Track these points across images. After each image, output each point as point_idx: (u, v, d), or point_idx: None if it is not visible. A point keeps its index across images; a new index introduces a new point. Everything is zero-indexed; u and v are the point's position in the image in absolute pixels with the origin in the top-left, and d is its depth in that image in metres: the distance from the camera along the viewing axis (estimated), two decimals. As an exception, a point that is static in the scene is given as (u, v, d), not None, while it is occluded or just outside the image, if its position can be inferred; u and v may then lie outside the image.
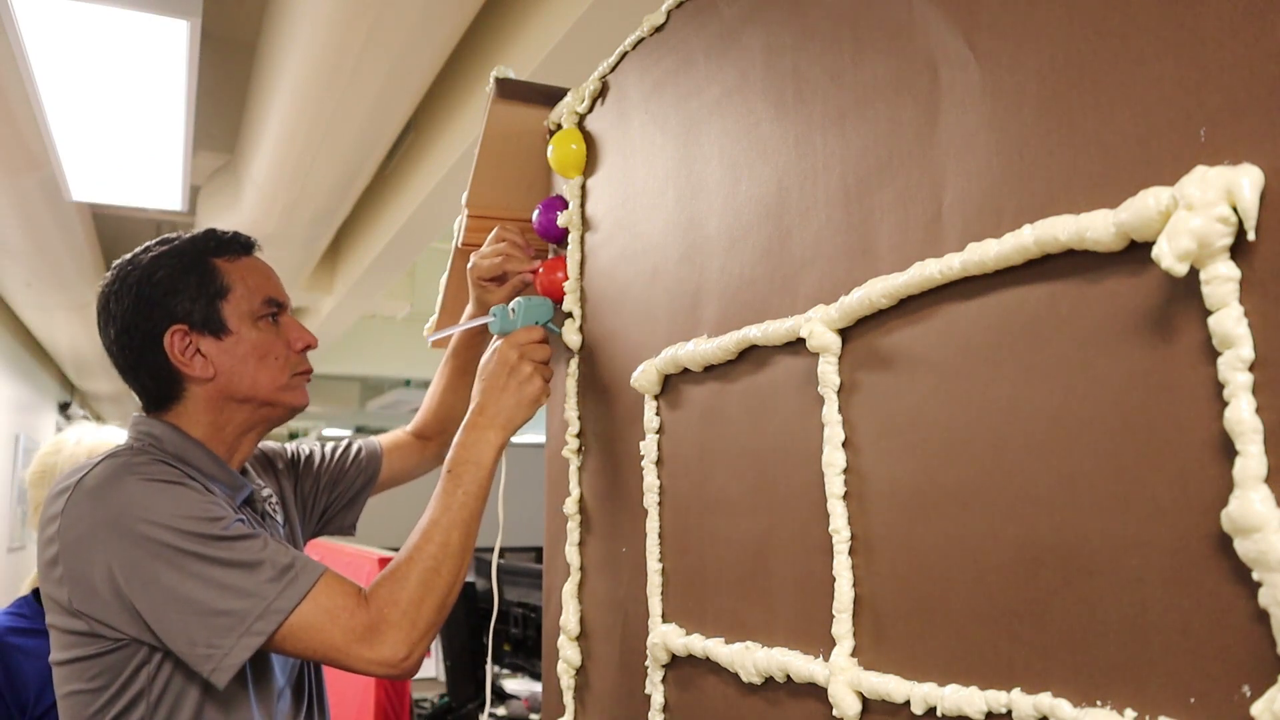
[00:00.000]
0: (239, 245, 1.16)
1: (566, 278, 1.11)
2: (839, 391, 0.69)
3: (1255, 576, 0.42)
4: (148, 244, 1.14)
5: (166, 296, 1.09)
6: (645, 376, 0.91)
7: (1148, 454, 0.47)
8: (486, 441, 1.06)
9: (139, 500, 0.97)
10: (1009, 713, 0.53)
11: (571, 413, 1.09)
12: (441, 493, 1.04)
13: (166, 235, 1.16)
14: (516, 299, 1.11)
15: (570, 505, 1.08)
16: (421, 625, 0.97)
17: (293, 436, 10.66)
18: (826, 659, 0.68)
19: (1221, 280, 0.44)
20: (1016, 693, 0.53)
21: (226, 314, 1.11)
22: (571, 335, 1.09)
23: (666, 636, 0.87)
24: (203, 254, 1.13)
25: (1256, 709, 0.42)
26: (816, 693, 0.68)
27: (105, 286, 1.12)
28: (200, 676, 0.96)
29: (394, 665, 0.96)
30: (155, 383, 1.11)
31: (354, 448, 1.44)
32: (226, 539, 0.97)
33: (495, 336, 1.12)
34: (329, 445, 1.44)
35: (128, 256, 1.14)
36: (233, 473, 1.13)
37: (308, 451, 1.41)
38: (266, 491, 1.25)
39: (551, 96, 1.16)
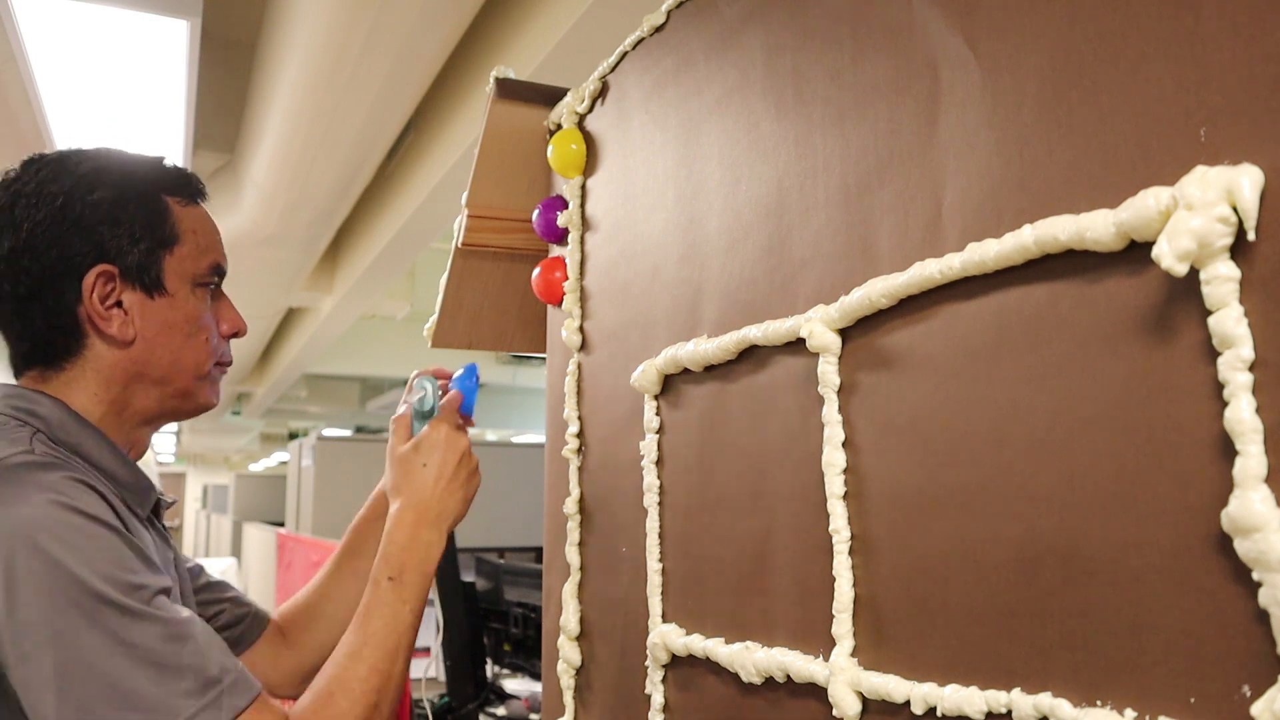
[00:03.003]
0: (194, 188, 0.95)
1: (565, 278, 1.11)
2: (839, 391, 0.69)
3: (1255, 576, 0.42)
4: (80, 149, 0.91)
5: (102, 225, 0.86)
6: (645, 376, 0.91)
7: (1148, 454, 0.47)
8: (432, 544, 0.91)
9: (46, 527, 0.73)
10: (1009, 713, 0.53)
11: (571, 413, 1.09)
12: (380, 604, 0.87)
13: (105, 148, 0.92)
14: (431, 378, 1.04)
15: (570, 505, 1.08)
16: None
17: (293, 436, 10.65)
18: (826, 659, 0.68)
19: (1221, 280, 0.44)
20: (1016, 693, 0.53)
21: (167, 269, 0.89)
22: (572, 335, 1.09)
23: (666, 636, 0.87)
24: (155, 186, 0.91)
25: (1256, 709, 0.42)
26: (816, 693, 0.68)
27: (10, 183, 0.87)
28: None
29: None
30: (48, 327, 0.86)
31: (239, 602, 1.12)
32: (145, 618, 0.73)
33: (422, 417, 1.02)
34: (210, 576, 1.12)
35: (50, 156, 0.89)
36: (137, 470, 0.91)
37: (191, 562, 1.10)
38: (171, 498, 0.99)
39: (551, 96, 1.16)
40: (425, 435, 0.98)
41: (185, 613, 0.78)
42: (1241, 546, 0.42)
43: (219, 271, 0.96)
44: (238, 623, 1.10)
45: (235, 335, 0.98)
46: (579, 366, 1.09)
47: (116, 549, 0.76)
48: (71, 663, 0.72)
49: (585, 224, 1.10)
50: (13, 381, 0.90)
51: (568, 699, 1.06)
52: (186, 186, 0.95)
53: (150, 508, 0.92)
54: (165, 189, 0.92)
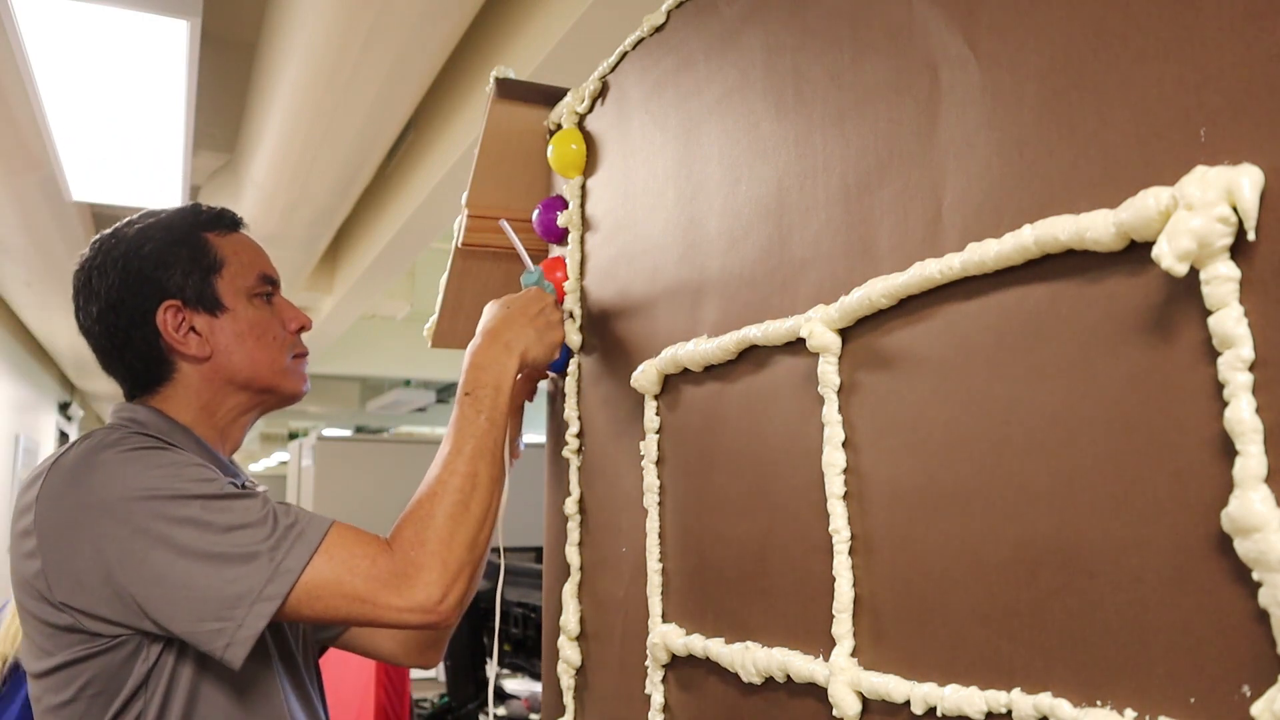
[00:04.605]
0: (228, 221, 1.10)
1: (566, 278, 1.11)
2: (839, 391, 0.69)
3: (1255, 576, 0.42)
4: (128, 219, 1.07)
5: (157, 270, 1.02)
6: (645, 376, 0.91)
7: (1148, 454, 0.47)
8: (504, 365, 0.98)
9: (120, 472, 0.89)
10: (1009, 713, 0.53)
11: (571, 413, 1.09)
12: (461, 418, 0.96)
13: (149, 210, 1.08)
14: (550, 283, 1.09)
15: (570, 505, 1.08)
16: (454, 564, 0.89)
17: (293, 436, 10.65)
18: (826, 659, 0.68)
19: (1221, 280, 0.44)
20: (1016, 693, 0.53)
21: (221, 289, 1.05)
22: (572, 335, 1.09)
23: (666, 636, 0.87)
24: (193, 227, 1.06)
25: (1256, 709, 0.42)
26: (816, 693, 0.68)
27: (85, 262, 1.04)
28: (214, 666, 0.89)
29: (430, 610, 0.87)
30: (143, 364, 1.03)
31: None
32: (221, 498, 0.89)
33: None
34: None
35: (108, 232, 1.06)
36: (224, 461, 1.06)
37: None
38: (262, 488, 1.15)
39: (551, 96, 1.16)
40: (513, 294, 1.07)
41: (252, 490, 0.94)
42: (1241, 546, 0.42)
43: (268, 280, 1.10)
44: None
45: (303, 330, 1.12)
46: (579, 366, 1.09)
47: (177, 461, 0.92)
48: (176, 551, 0.86)
49: (585, 224, 1.10)
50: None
51: (568, 699, 1.06)
52: (220, 220, 1.10)
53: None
54: (202, 227, 1.07)
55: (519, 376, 1.02)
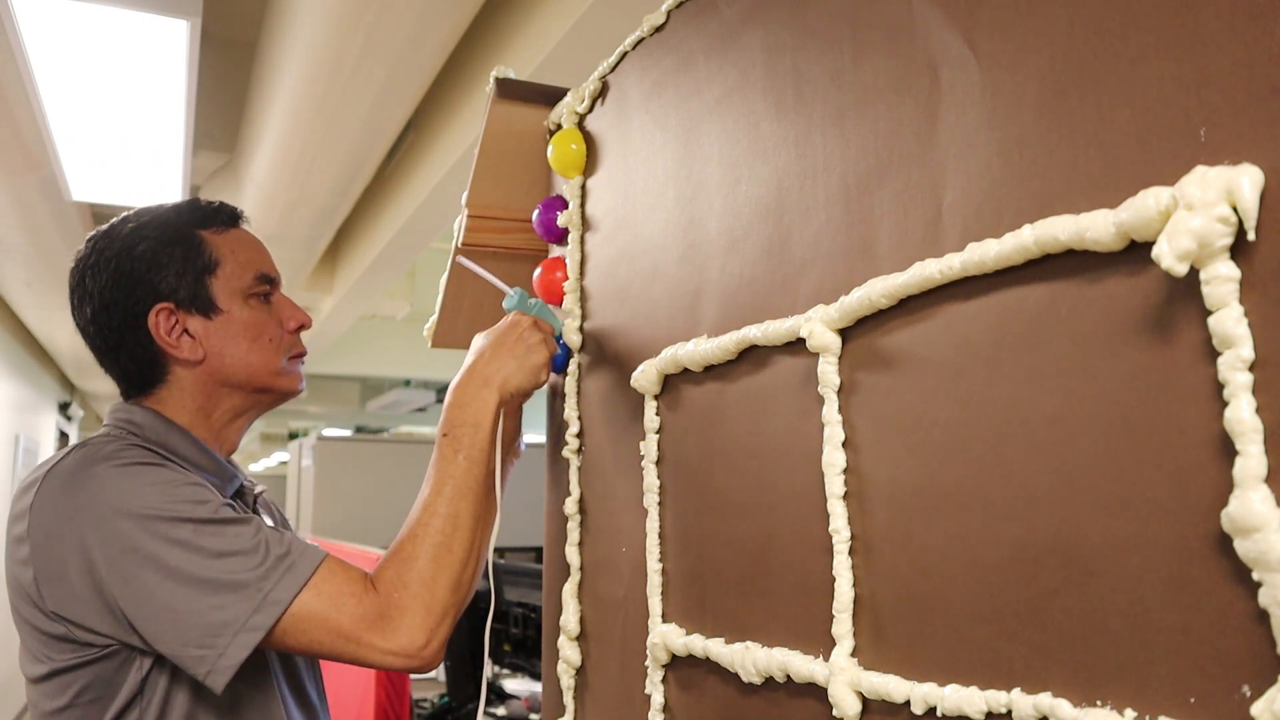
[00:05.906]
0: (226, 216, 1.07)
1: (566, 278, 1.11)
2: (839, 391, 0.69)
3: (1255, 576, 0.42)
4: (125, 215, 1.05)
5: (149, 272, 1.00)
6: (645, 376, 0.91)
7: (1148, 454, 0.47)
8: (483, 401, 0.97)
9: (115, 487, 0.89)
10: (1009, 713, 0.53)
11: (571, 413, 1.09)
12: (440, 460, 0.95)
13: (146, 206, 1.06)
14: (535, 299, 1.07)
15: (570, 505, 1.08)
16: (437, 608, 0.89)
17: (293, 436, 10.65)
18: (826, 659, 0.68)
19: (1221, 280, 0.44)
20: (1016, 693, 0.53)
21: (216, 291, 1.02)
22: (571, 335, 1.09)
23: (666, 636, 0.87)
24: (188, 225, 1.04)
25: (1256, 709, 0.42)
26: (816, 693, 0.68)
27: (80, 261, 1.03)
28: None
29: (412, 655, 0.87)
30: (136, 366, 1.02)
31: None
32: (214, 523, 0.88)
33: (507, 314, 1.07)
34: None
35: (104, 228, 1.04)
36: (221, 462, 1.05)
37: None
38: (260, 488, 1.15)
39: (551, 96, 1.16)
40: (496, 325, 1.05)
41: (246, 514, 0.92)
42: (1241, 546, 0.42)
43: (266, 279, 1.07)
44: None
45: (302, 328, 1.10)
46: (579, 366, 1.09)
47: (172, 479, 0.91)
48: (164, 573, 0.86)
49: (585, 224, 1.10)
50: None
51: (568, 699, 1.06)
52: (217, 216, 1.07)
53: (233, 493, 1.06)
54: (197, 224, 1.05)
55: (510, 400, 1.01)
